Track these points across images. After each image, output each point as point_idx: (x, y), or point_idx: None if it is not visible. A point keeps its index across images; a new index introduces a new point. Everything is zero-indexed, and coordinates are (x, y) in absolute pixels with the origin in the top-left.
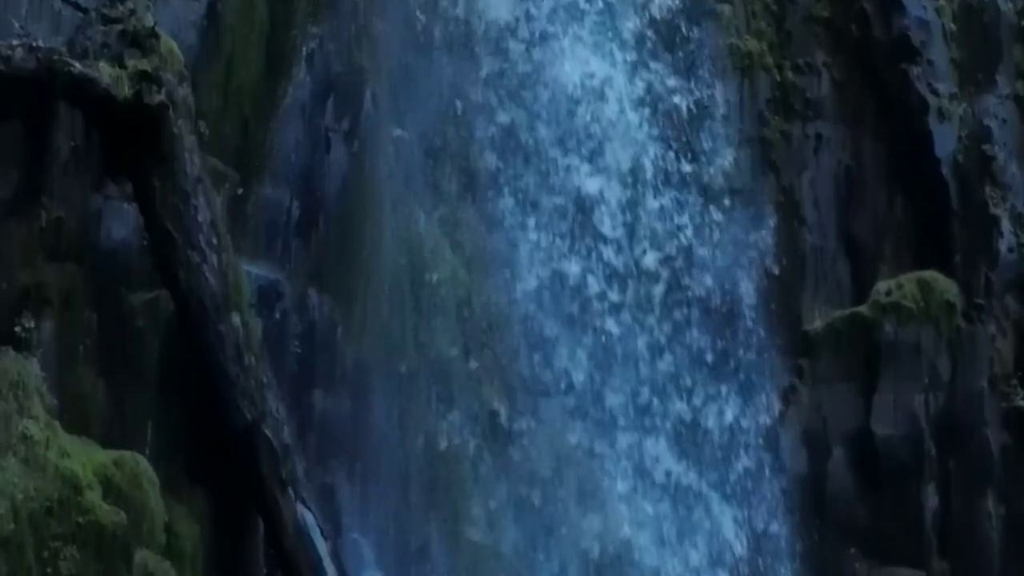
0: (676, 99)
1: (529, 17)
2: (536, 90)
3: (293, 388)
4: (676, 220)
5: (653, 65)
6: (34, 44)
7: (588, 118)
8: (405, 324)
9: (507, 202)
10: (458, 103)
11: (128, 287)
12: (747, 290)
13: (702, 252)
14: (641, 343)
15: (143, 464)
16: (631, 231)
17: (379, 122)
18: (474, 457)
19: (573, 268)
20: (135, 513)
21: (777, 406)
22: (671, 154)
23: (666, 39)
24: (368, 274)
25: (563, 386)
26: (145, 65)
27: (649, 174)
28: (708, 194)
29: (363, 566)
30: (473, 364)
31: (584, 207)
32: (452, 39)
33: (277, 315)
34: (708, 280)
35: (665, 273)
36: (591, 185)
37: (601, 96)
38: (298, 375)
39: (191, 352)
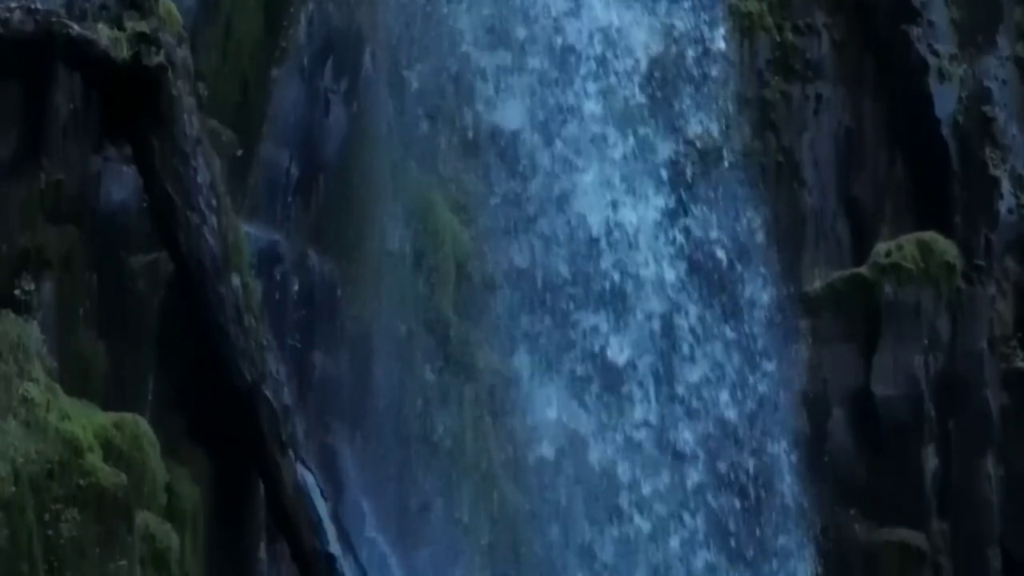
0: (718, 251)
1: (549, 142)
2: (555, 226)
3: (293, 349)
4: (715, 392)
5: (691, 208)
6: (32, 6)
7: (617, 275)
8: (405, 285)
9: (521, 359)
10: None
11: (128, 249)
12: (786, 461)
13: (741, 428)
14: (675, 541)
15: (143, 426)
16: (664, 407)
17: (379, 82)
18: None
19: (598, 452)
20: (136, 475)
21: None
22: (708, 314)
23: (705, 165)
24: (368, 235)
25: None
26: (144, 27)
27: (686, 344)
28: (748, 357)
29: (363, 527)
30: (472, 328)
31: (611, 375)
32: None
33: (277, 276)
34: (747, 460)
35: (701, 456)
36: (620, 355)
37: (634, 246)
38: (298, 336)
39: (191, 314)
